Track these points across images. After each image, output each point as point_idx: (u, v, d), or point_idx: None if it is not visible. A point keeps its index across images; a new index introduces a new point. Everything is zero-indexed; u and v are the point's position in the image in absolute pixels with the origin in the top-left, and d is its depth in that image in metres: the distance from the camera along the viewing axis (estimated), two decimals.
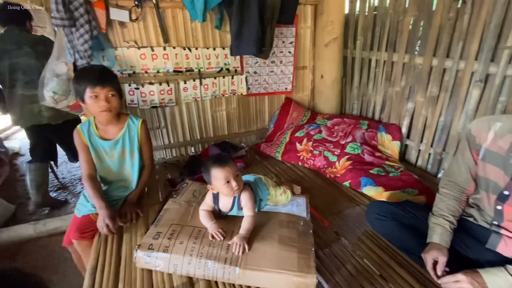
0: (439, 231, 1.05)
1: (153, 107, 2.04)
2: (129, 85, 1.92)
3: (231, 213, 1.20)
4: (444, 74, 1.74)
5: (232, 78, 2.21)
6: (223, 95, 2.25)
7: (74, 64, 1.69)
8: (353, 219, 1.46)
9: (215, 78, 2.14)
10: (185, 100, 2.12)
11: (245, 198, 1.13)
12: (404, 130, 2.07)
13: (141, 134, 1.39)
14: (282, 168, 2.07)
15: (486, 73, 1.54)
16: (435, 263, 1.02)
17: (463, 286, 0.91)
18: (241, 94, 2.31)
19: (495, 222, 1.00)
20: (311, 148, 2.06)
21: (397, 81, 2.04)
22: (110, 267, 1.11)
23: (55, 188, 2.54)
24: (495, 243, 0.99)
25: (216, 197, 1.17)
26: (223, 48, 2.09)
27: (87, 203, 1.32)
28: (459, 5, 1.59)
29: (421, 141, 1.98)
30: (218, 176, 1.07)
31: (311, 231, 1.19)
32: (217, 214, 1.21)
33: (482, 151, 0.98)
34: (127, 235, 1.28)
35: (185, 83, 2.06)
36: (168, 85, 2.01)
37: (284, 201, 1.35)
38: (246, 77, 2.27)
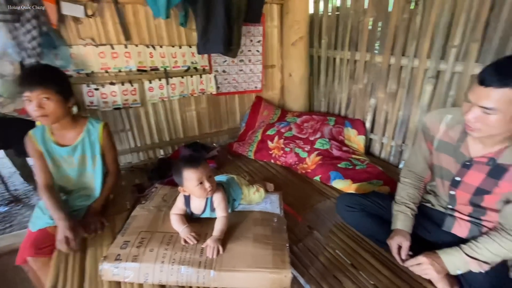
0: (402, 217, 1.12)
1: (116, 108, 1.92)
2: (88, 86, 1.79)
3: (204, 215, 1.17)
4: (401, 71, 1.87)
5: (201, 77, 2.16)
6: (192, 95, 2.19)
7: (22, 63, 1.53)
8: (324, 212, 1.51)
9: (182, 77, 2.08)
10: (151, 101, 2.03)
11: (218, 199, 1.10)
12: (368, 125, 2.18)
13: (103, 138, 1.29)
14: (255, 166, 2.07)
15: (437, 70, 1.68)
16: (399, 248, 1.09)
17: (424, 267, 0.99)
18: (211, 93, 2.27)
19: (449, 206, 1.09)
20: (283, 146, 2.09)
21: (360, 79, 2.14)
22: (72, 284, 1.03)
23: (6, 202, 2.28)
24: (450, 225, 1.09)
25: (187, 199, 1.13)
26: (190, 46, 2.04)
27: (43, 216, 1.20)
28: (412, 7, 1.71)
29: (384, 134, 2.10)
30: (190, 178, 1.04)
31: (284, 227, 1.20)
32: (189, 217, 1.18)
33: (436, 142, 1.07)
34: (91, 247, 1.19)
35: (150, 82, 1.97)
36: (132, 85, 1.91)
37: (257, 199, 1.35)
38: (215, 76, 2.23)
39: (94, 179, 1.32)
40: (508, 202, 0.92)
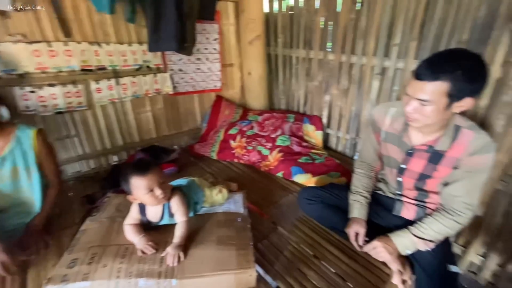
0: (358, 206, 1.19)
1: (58, 112, 1.72)
2: (21, 88, 1.57)
3: (162, 223, 1.11)
4: (352, 69, 1.98)
5: (155, 76, 2.05)
6: (147, 95, 2.07)
7: None
8: (287, 207, 1.54)
9: (134, 76, 1.94)
10: (100, 103, 1.86)
11: (176, 203, 1.05)
12: (324, 120, 2.28)
13: (38, 146, 1.14)
14: (218, 167, 2.03)
15: (382, 67, 1.81)
16: (357, 235, 1.15)
17: (378, 250, 1.06)
18: (167, 93, 2.17)
19: (397, 192, 1.18)
20: (245, 144, 2.09)
21: (315, 76, 2.22)
22: None
23: None
24: (399, 209, 1.18)
25: (142, 207, 1.06)
26: (141, 44, 1.91)
27: None
28: (358, 7, 1.82)
29: (339, 129, 2.21)
30: (138, 185, 0.96)
31: (249, 225, 1.19)
32: (147, 226, 1.10)
33: (382, 133, 1.14)
34: (33, 271, 1.05)
35: (97, 83, 1.80)
36: (75, 86, 1.73)
37: (220, 200, 1.32)
38: (171, 75, 2.13)
39: (31, 193, 1.17)
40: (447, 185, 1.03)
